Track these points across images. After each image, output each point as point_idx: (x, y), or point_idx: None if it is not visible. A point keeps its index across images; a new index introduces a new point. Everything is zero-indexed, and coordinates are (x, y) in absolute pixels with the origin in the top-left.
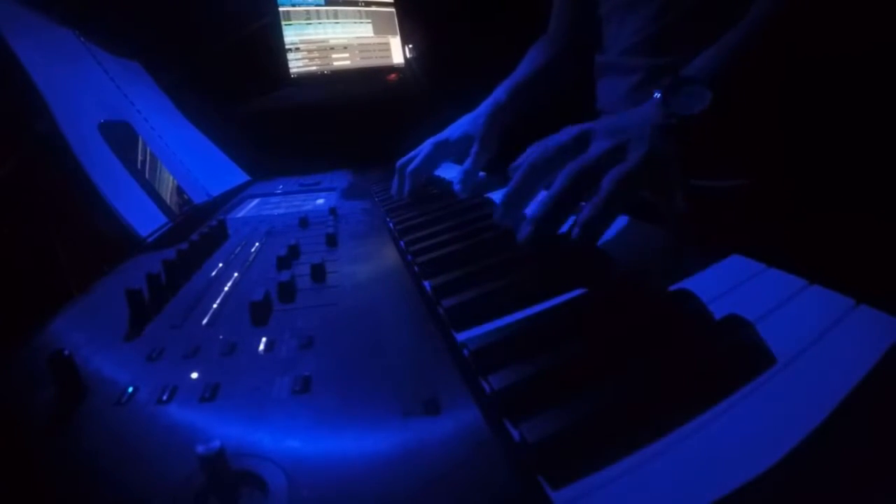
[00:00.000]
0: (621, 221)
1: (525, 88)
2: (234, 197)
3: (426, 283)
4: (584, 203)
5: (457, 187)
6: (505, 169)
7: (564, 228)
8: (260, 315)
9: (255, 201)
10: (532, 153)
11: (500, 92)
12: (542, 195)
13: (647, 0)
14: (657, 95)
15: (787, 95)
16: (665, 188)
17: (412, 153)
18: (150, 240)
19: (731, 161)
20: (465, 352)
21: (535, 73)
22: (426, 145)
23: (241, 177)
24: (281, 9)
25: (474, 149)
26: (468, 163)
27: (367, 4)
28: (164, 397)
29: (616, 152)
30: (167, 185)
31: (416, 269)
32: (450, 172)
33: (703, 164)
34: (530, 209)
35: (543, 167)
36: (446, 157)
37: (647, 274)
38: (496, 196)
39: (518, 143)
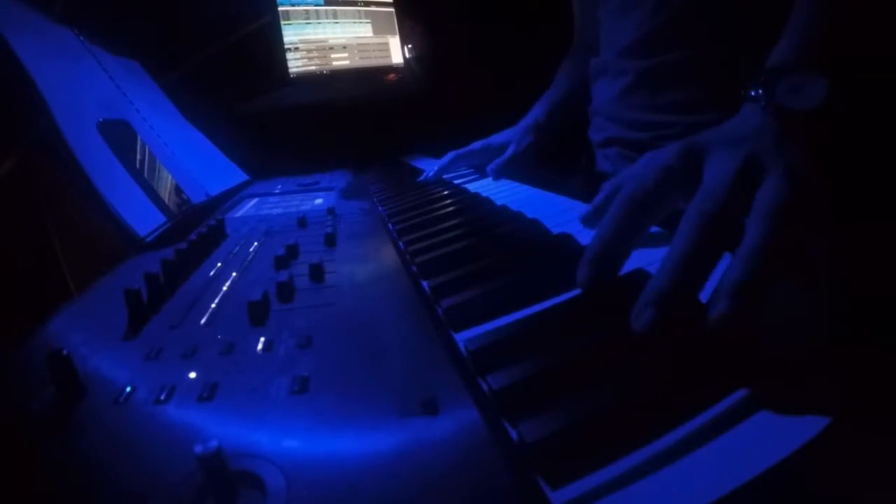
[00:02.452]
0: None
1: (563, 105)
2: (232, 196)
3: (425, 283)
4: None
5: (489, 171)
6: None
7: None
8: (258, 315)
9: (254, 201)
10: (624, 180)
11: (538, 110)
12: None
13: (638, 3)
14: (753, 94)
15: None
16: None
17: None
18: (148, 239)
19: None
20: (464, 352)
21: (571, 88)
22: (475, 144)
23: (240, 176)
24: (280, 8)
25: (511, 149)
26: (503, 157)
27: (367, 4)
28: (163, 397)
29: (747, 173)
30: (166, 184)
31: (414, 268)
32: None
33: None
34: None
35: (648, 202)
36: (489, 156)
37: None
38: (495, 192)
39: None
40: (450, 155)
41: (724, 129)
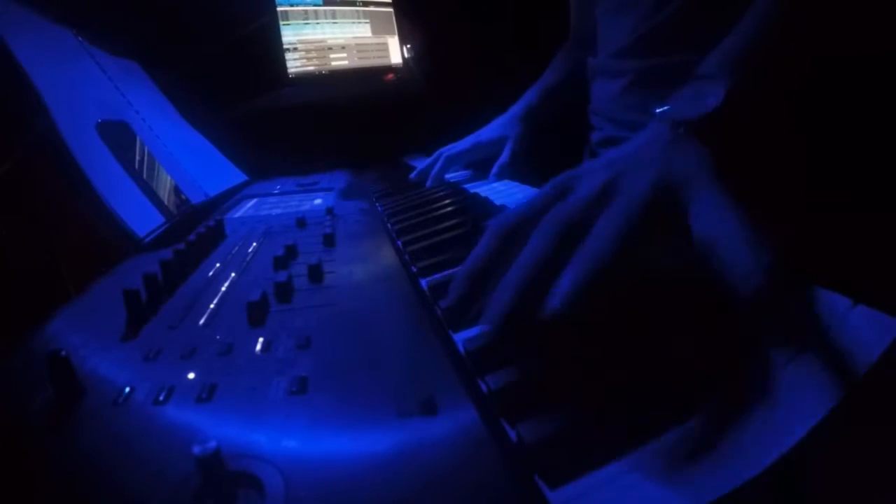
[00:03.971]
0: None
1: (555, 92)
2: (231, 197)
3: (423, 283)
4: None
5: (492, 177)
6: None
7: None
8: (257, 315)
9: (253, 201)
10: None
11: (531, 95)
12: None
13: (635, 2)
14: (658, 110)
15: (794, 92)
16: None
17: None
18: (147, 240)
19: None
20: (463, 352)
21: (562, 77)
22: (465, 140)
23: (239, 177)
24: (279, 9)
25: (509, 146)
26: (504, 157)
27: (366, 4)
28: (161, 398)
29: (604, 191)
30: (165, 185)
31: (413, 268)
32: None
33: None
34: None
35: (514, 232)
36: (481, 154)
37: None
38: (492, 191)
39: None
40: (440, 158)
41: (607, 155)
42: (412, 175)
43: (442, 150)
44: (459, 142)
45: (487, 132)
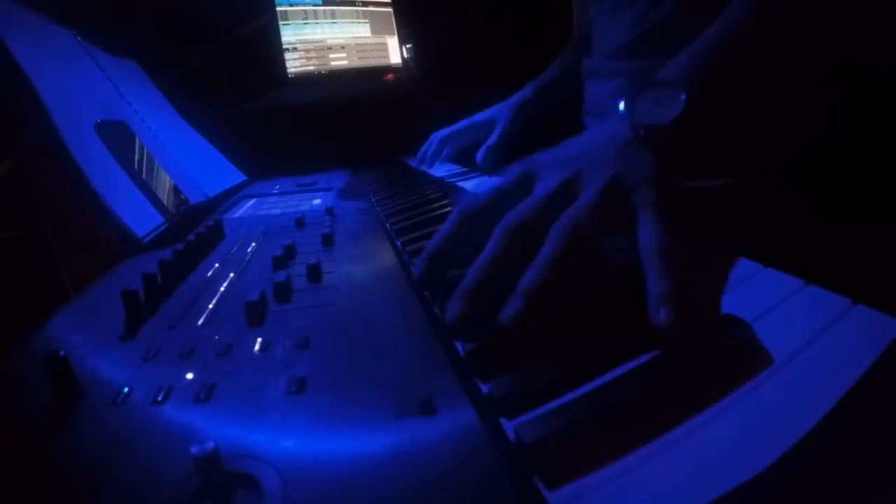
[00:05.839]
0: None
1: (551, 87)
2: (230, 197)
3: None
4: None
5: (478, 159)
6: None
7: None
8: (256, 315)
9: (252, 201)
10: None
11: (527, 89)
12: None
13: (629, 4)
14: (621, 108)
15: (784, 94)
16: (637, 219)
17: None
18: (146, 240)
19: (719, 162)
20: (462, 352)
21: (561, 75)
22: (460, 123)
23: (238, 177)
24: (278, 9)
25: (497, 129)
26: (491, 140)
27: (365, 4)
28: (160, 398)
29: (565, 189)
30: (164, 184)
31: (412, 268)
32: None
33: (693, 173)
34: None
35: (474, 218)
36: (474, 135)
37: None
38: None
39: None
40: (435, 139)
41: (566, 147)
42: (414, 164)
43: (435, 133)
44: (455, 125)
45: (480, 115)
